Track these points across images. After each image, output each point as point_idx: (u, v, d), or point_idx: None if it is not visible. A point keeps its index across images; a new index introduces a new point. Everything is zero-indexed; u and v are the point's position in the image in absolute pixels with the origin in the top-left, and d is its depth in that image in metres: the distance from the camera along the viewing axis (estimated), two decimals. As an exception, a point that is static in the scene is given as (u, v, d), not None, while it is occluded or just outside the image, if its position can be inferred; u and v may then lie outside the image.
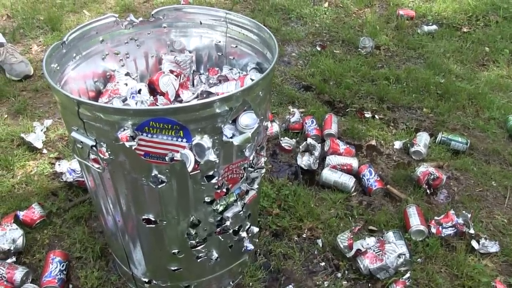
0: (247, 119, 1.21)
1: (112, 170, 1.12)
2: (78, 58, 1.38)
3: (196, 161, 1.09)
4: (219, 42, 1.56)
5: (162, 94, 1.43)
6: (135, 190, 1.16)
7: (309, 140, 2.30)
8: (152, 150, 1.03)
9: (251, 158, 1.24)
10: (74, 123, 1.07)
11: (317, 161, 2.24)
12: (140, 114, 0.97)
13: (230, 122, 1.11)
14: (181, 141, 1.03)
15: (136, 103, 1.31)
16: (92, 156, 1.09)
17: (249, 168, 1.28)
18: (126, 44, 1.53)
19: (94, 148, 1.06)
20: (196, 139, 1.04)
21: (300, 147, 2.31)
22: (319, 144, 2.32)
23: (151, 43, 1.59)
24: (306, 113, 2.59)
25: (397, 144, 2.41)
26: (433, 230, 1.87)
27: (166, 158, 1.05)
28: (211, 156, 1.07)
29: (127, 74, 1.53)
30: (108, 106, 1.04)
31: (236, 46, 1.51)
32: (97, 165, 1.11)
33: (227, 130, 1.18)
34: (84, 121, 1.03)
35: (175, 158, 1.05)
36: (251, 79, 1.34)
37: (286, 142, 2.35)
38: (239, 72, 1.46)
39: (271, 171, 2.17)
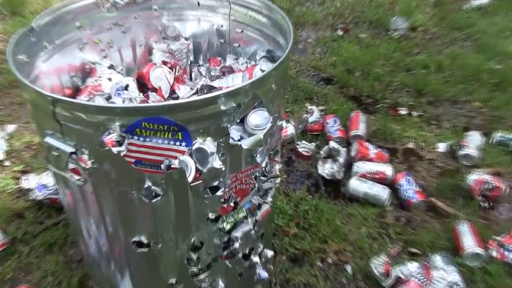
0: (258, 118, 1.22)
1: (96, 182, 1.14)
2: (51, 48, 1.40)
3: (197, 170, 1.11)
4: (221, 26, 1.57)
5: (154, 90, 1.45)
6: (124, 206, 1.18)
7: (332, 144, 2.33)
8: (144, 157, 1.05)
9: (263, 164, 1.25)
10: (49, 126, 1.09)
11: (342, 169, 2.26)
12: (130, 113, 0.99)
13: (238, 121, 1.13)
14: (180, 145, 1.04)
15: (123, 101, 1.34)
16: (71, 166, 1.11)
17: (262, 177, 1.29)
18: (108, 31, 1.56)
19: (73, 155, 1.08)
20: (198, 143, 1.06)
21: (321, 152, 2.34)
22: (344, 149, 2.34)
23: (139, 29, 1.61)
24: (327, 111, 2.61)
25: (441, 147, 2.41)
26: (494, 254, 1.83)
27: (162, 166, 1.06)
28: (216, 162, 1.08)
29: (111, 67, 1.55)
30: (91, 104, 1.06)
31: (242, 31, 1.53)
32: (77, 177, 1.12)
33: (234, 132, 1.19)
34: (61, 123, 1.05)
35: (172, 166, 1.06)
36: (261, 69, 1.36)
37: (304, 147, 2.38)
38: (246, 62, 1.48)
39: (287, 182, 2.19)
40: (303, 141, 2.43)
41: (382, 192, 2.09)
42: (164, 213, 1.17)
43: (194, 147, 1.08)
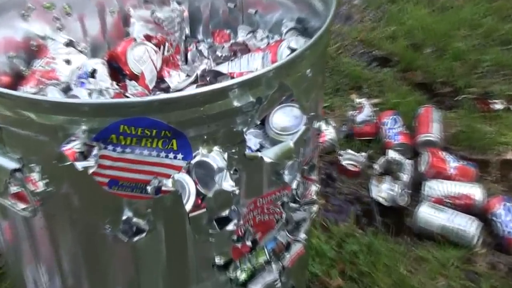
0: (285, 118, 1.23)
1: (50, 212, 1.15)
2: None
3: (198, 193, 1.12)
4: (231, -17, 1.60)
5: (134, 77, 1.47)
6: (91, 247, 1.18)
7: (391, 154, 2.35)
8: (123, 175, 1.06)
9: (294, 185, 1.26)
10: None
11: (407, 191, 2.26)
12: (102, 112, 0.99)
13: (258, 123, 1.14)
14: (174, 157, 1.05)
15: (89, 94, 1.36)
16: (13, 189, 1.13)
17: (292, 204, 1.30)
18: (66, -10, 1.59)
19: (17, 174, 1.09)
20: (200, 155, 1.08)
21: (376, 166, 2.36)
22: (410, 161, 2.35)
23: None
24: (383, 107, 2.61)
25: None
26: None
27: (148, 188, 1.07)
28: (226, 183, 1.10)
29: (70, 43, 1.57)
30: (45, 99, 1.07)
31: (261, -10, 1.56)
32: (22, 205, 1.14)
33: (252, 138, 1.20)
34: (0, 127, 1.07)
35: (163, 189, 1.08)
36: (289, 47, 1.38)
37: (350, 159, 2.39)
38: (267, 37, 1.50)
39: (325, 211, 2.22)
40: (348, 150, 2.44)
41: (468, 226, 2.09)
42: (150, 258, 1.18)
43: (194, 161, 1.09)
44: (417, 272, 2.01)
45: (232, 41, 1.54)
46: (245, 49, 1.48)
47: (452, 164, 2.33)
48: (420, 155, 2.39)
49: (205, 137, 1.07)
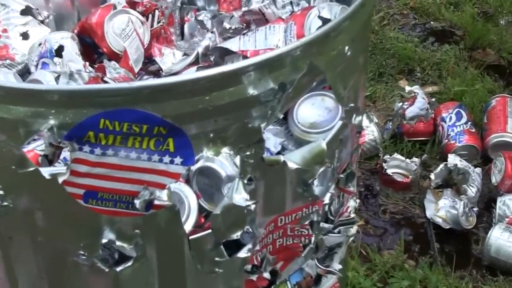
0: (314, 111, 1.26)
1: (6, 234, 1.17)
2: None
3: (202, 209, 1.14)
4: None
5: (114, 56, 1.49)
6: (60, 281, 1.20)
7: (453, 160, 2.35)
8: (103, 185, 1.07)
9: (326, 200, 1.28)
10: None
11: (475, 209, 2.29)
12: (76, 102, 1.01)
13: (280, 118, 1.16)
14: (170, 162, 1.07)
15: (56, 78, 1.37)
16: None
17: (323, 224, 1.31)
18: None
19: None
20: (204, 159, 1.10)
21: (432, 176, 2.38)
22: (478, 169, 2.38)
23: None
24: (442, 97, 2.66)
25: None
26: None
27: (136, 202, 1.08)
28: (238, 196, 1.11)
29: (27, 11, 1.59)
30: (2, 84, 1.10)
31: None
32: (-31, 224, 1.17)
33: (272, 138, 1.22)
34: None
35: (156, 203, 1.09)
36: (320, 17, 1.39)
37: (397, 166, 2.43)
38: (291, 3, 1.51)
39: (364, 234, 2.24)
40: (396, 155, 2.47)
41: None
42: (138, 294, 1.21)
43: (196, 167, 1.11)
44: (488, 318, 2.03)
45: (244, 8, 1.54)
46: (262, 19, 1.49)
47: (535, 174, 2.33)
48: (493, 162, 2.39)
49: (211, 135, 1.08)
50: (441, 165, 2.36)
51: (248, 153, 1.11)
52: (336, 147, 1.25)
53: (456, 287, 2.07)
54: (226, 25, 1.52)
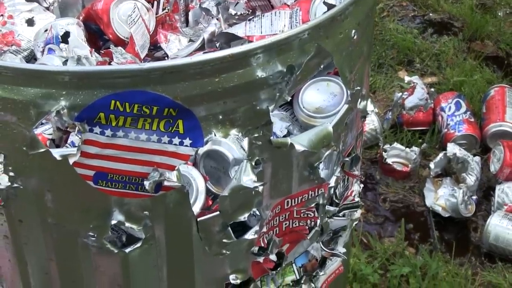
0: (319, 95, 1.26)
1: (16, 216, 1.17)
2: None
3: (209, 192, 1.15)
4: None
5: (119, 42, 1.49)
6: (69, 262, 1.20)
7: (453, 149, 2.38)
8: (113, 166, 1.08)
9: (332, 183, 1.28)
10: None
11: (474, 197, 2.31)
12: (88, 83, 1.01)
13: (287, 100, 1.16)
14: (180, 143, 1.07)
15: (64, 63, 1.37)
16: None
17: (329, 207, 1.32)
18: None
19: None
20: (212, 142, 1.10)
21: (431, 165, 2.40)
22: (477, 158, 2.40)
23: None
24: (441, 87, 2.67)
25: None
26: None
27: (146, 183, 1.08)
28: (246, 177, 1.11)
29: (32, -3, 1.60)
30: (12, 66, 1.07)
31: None
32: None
33: (277, 122, 1.22)
34: None
35: (165, 184, 1.10)
36: (325, 3, 1.39)
37: (397, 155, 2.45)
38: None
39: (366, 222, 2.26)
40: (396, 144, 2.49)
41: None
42: (146, 275, 1.20)
43: (203, 150, 1.12)
44: (487, 304, 2.03)
45: (253, -7, 1.54)
46: (267, 5, 1.50)
47: (534, 162, 2.34)
48: (491, 151, 2.41)
49: (220, 117, 1.09)
50: (441, 154, 2.37)
51: (256, 135, 1.12)
52: (341, 130, 1.25)
53: (456, 274, 2.08)
54: (232, 11, 1.52)
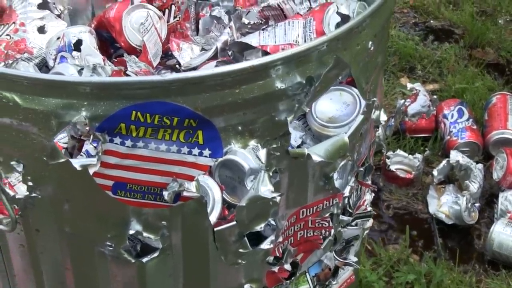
0: (333, 105, 1.26)
1: (33, 225, 1.17)
2: None
3: (225, 202, 1.15)
4: None
5: (131, 50, 1.50)
6: (86, 271, 1.20)
7: (456, 157, 2.35)
8: (132, 177, 1.08)
9: (346, 192, 1.29)
10: None
11: (477, 204, 2.29)
12: (110, 94, 1.01)
13: (306, 111, 1.17)
14: (199, 154, 1.08)
15: (79, 71, 1.37)
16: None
17: (342, 217, 1.32)
18: None
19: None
20: (232, 151, 1.10)
21: (434, 172, 2.38)
22: (480, 165, 2.38)
23: None
24: (443, 94, 2.66)
25: None
26: None
27: (165, 193, 1.09)
28: (264, 187, 1.12)
29: (44, 5, 1.59)
30: (36, 76, 1.08)
31: None
32: (-2, 215, 1.17)
33: (292, 131, 1.23)
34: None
35: (185, 194, 1.10)
36: (338, 13, 1.40)
37: (400, 162, 2.44)
38: None
39: (370, 229, 2.21)
40: (399, 151, 2.49)
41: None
42: (163, 285, 1.21)
43: (222, 159, 1.12)
44: (492, 310, 2.04)
45: (263, 4, 1.53)
46: (280, 15, 1.49)
47: (537, 169, 2.34)
48: (494, 158, 2.41)
49: (240, 127, 1.09)
50: (444, 161, 2.37)
51: (274, 145, 1.12)
52: (356, 141, 1.26)
53: (460, 281, 2.08)
54: (245, 20, 1.51)
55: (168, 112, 1.03)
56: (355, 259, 1.42)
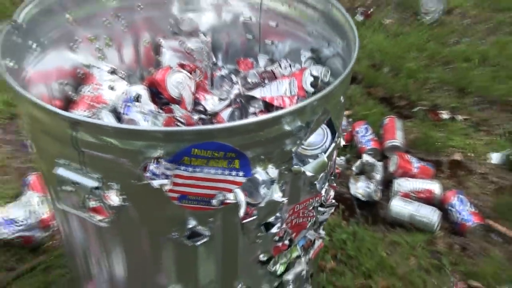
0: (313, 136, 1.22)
1: (123, 222, 1.11)
2: (38, 48, 1.35)
3: (249, 204, 1.10)
4: (249, 18, 1.57)
5: (173, 100, 1.43)
6: (158, 251, 1.16)
7: (365, 157, 2.34)
8: (191, 191, 1.03)
9: (323, 193, 1.25)
10: (62, 155, 1.05)
11: (380, 187, 2.28)
12: (177, 138, 0.97)
13: (304, 144, 1.13)
14: (236, 175, 1.03)
15: (145, 119, 1.30)
16: (91, 204, 1.08)
17: (320, 208, 1.29)
18: (107, 25, 1.53)
19: (96, 191, 1.05)
20: (258, 172, 1.05)
21: (353, 168, 2.35)
22: (380, 163, 2.35)
23: (144, 23, 1.59)
24: (354, 117, 2.62)
25: (495, 158, 2.44)
26: None
27: (213, 201, 1.05)
28: (276, 194, 1.08)
29: (113, 71, 1.53)
30: (128, 128, 1.03)
31: (277, 25, 1.53)
32: (99, 217, 1.10)
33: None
34: (83, 151, 1.02)
35: (226, 201, 1.05)
36: (312, 75, 1.36)
37: (331, 161, 2.43)
38: (290, 66, 1.47)
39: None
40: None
41: (431, 215, 2.11)
42: (208, 257, 1.16)
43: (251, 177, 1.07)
44: (392, 254, 2.02)
45: (261, 69, 1.49)
46: (272, 76, 1.46)
47: (415, 164, 2.34)
48: (389, 158, 2.39)
49: (262, 156, 1.05)
50: (358, 161, 2.36)
51: (283, 167, 1.09)
52: (330, 159, 1.22)
53: (373, 236, 2.07)
54: (249, 79, 1.48)
55: (216, 148, 0.99)
56: (324, 232, 1.40)
